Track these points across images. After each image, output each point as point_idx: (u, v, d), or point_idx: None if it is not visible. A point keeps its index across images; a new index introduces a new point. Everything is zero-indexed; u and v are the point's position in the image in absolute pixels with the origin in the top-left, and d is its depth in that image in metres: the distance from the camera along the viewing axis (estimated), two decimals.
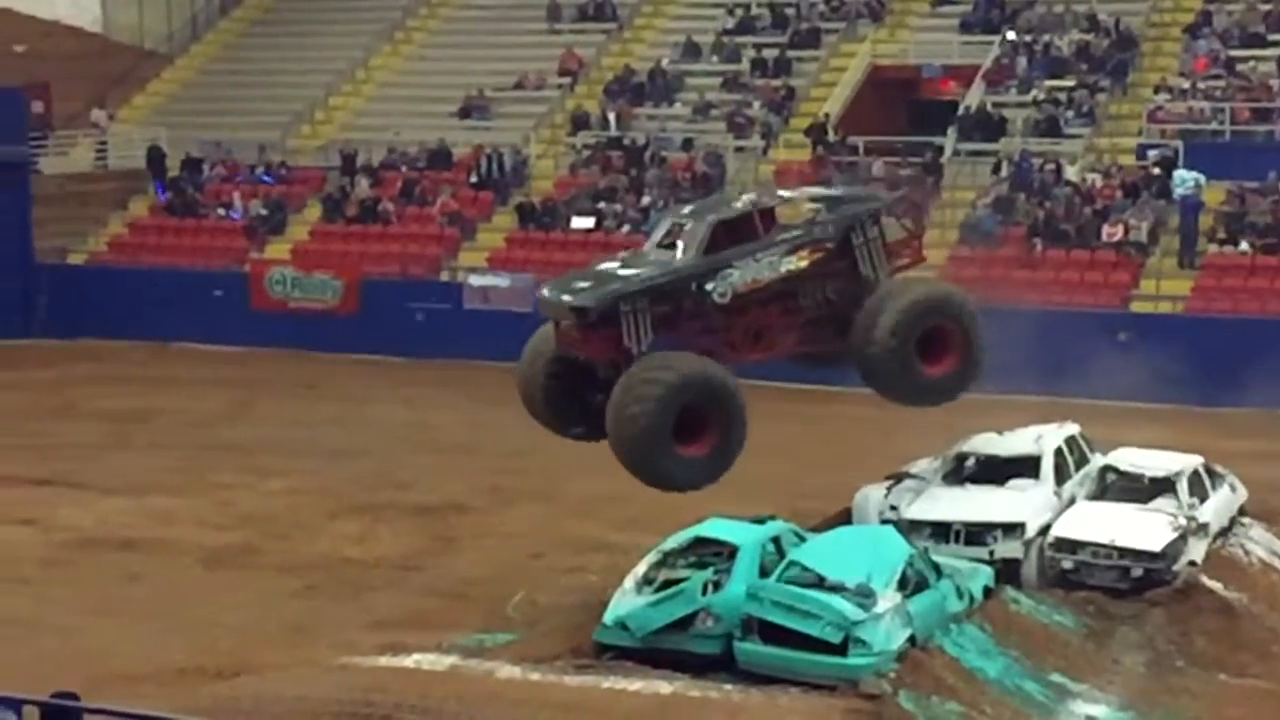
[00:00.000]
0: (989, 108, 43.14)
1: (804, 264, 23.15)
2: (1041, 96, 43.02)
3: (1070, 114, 42.49)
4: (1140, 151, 40.94)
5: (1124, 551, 22.52)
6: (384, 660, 20.43)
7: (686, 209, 23.94)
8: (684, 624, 20.04)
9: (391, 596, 24.40)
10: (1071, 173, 40.37)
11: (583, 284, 22.64)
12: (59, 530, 27.87)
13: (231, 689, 19.58)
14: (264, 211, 45.32)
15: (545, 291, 23.19)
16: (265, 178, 46.59)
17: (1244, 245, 37.83)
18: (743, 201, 23.49)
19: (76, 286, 44.56)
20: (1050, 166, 40.44)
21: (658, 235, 23.57)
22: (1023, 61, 44.40)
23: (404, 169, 45.52)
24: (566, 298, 22.44)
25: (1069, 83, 43.40)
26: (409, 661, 20.25)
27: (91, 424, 35.62)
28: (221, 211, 45.88)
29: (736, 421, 22.07)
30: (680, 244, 22.81)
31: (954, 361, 23.62)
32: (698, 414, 21.89)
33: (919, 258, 24.77)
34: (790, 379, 36.70)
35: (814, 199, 23.94)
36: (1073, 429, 25.14)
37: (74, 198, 46.38)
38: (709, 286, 22.67)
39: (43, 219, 45.17)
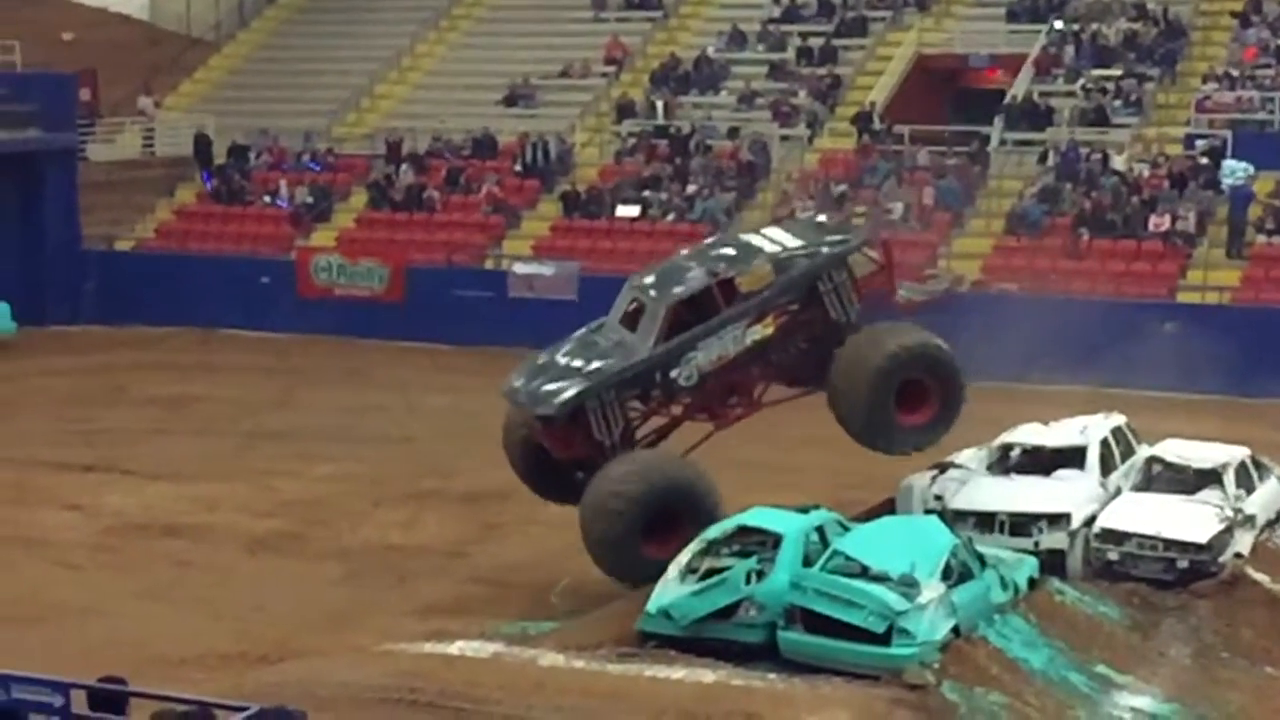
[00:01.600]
0: (1036, 97, 42.95)
1: (770, 330, 23.23)
2: (1089, 86, 42.81)
3: (1118, 103, 42.27)
4: (1188, 141, 40.71)
5: (1170, 543, 22.45)
6: (428, 647, 20.50)
7: (649, 277, 23.63)
8: (727, 613, 20.06)
9: (435, 584, 24.45)
10: (1119, 162, 40.16)
11: (547, 385, 22.72)
12: (105, 516, 28.02)
13: (276, 674, 19.68)
14: (310, 199, 45.44)
15: (513, 383, 23.35)
16: (311, 165, 46.71)
17: None
18: (700, 275, 23.16)
19: (123, 273, 44.74)
20: (1097, 156, 40.25)
21: (620, 306, 23.68)
22: (1070, 51, 44.19)
23: (449, 157, 45.57)
24: (531, 404, 22.72)
25: (1117, 72, 43.18)
26: (453, 649, 20.32)
27: (138, 410, 35.78)
28: (268, 199, 46.03)
29: (705, 521, 21.82)
30: (641, 328, 22.90)
31: (931, 411, 23.39)
32: (669, 516, 21.93)
33: (890, 289, 24.48)
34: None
35: (775, 257, 23.49)
36: (1119, 420, 25.07)
37: (121, 185, 46.57)
38: (673, 374, 22.83)
39: (90, 206, 45.38)
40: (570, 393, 22.37)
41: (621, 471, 22.04)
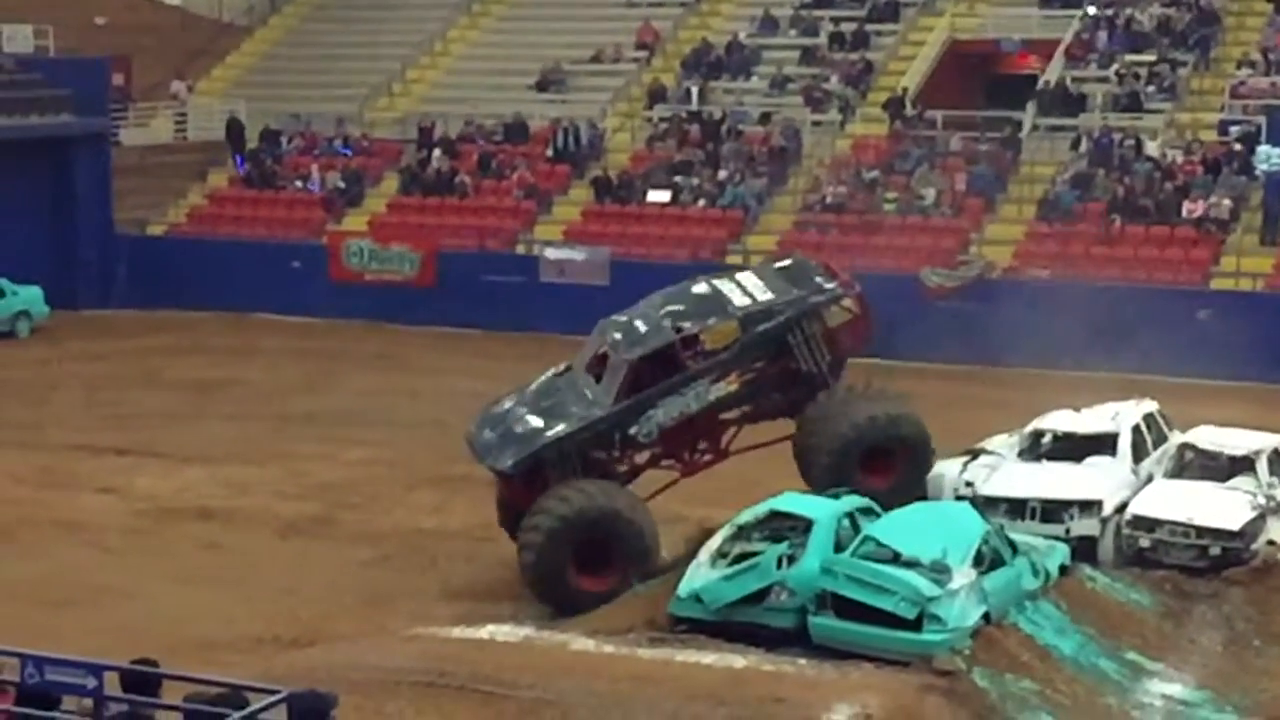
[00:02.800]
0: (1068, 82, 42.79)
1: (734, 387, 23.18)
2: (1122, 71, 42.63)
3: (1151, 89, 42.09)
4: (1222, 127, 40.53)
5: (1202, 530, 22.37)
6: (458, 631, 20.55)
7: (617, 329, 23.58)
8: (758, 597, 20.06)
9: (466, 568, 24.49)
10: (1152, 148, 39.99)
11: (501, 441, 22.91)
12: (139, 499, 28.12)
13: (307, 657, 19.75)
14: (342, 184, 45.51)
15: (471, 429, 23.56)
16: (343, 150, 46.77)
17: None
18: (664, 331, 23.13)
19: (156, 257, 44.88)
20: (1130, 142, 40.09)
21: (588, 352, 23.77)
22: (1103, 36, 44.01)
23: (481, 142, 45.60)
24: (485, 456, 22.97)
25: (1150, 57, 42.99)
26: (483, 632, 20.37)
27: (170, 394, 35.90)
28: (299, 183, 46.11)
29: (637, 556, 21.89)
30: (604, 381, 22.97)
31: (893, 477, 23.04)
32: (600, 547, 21.90)
33: (867, 337, 24.31)
34: (866, 354, 36.71)
35: (741, 313, 23.39)
36: (1151, 406, 24.97)
37: (154, 169, 46.73)
38: (632, 431, 22.85)
39: (123, 190, 45.54)
40: (530, 448, 22.65)
41: (548, 502, 22.14)
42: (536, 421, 23.05)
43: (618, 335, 23.35)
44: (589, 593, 21.73)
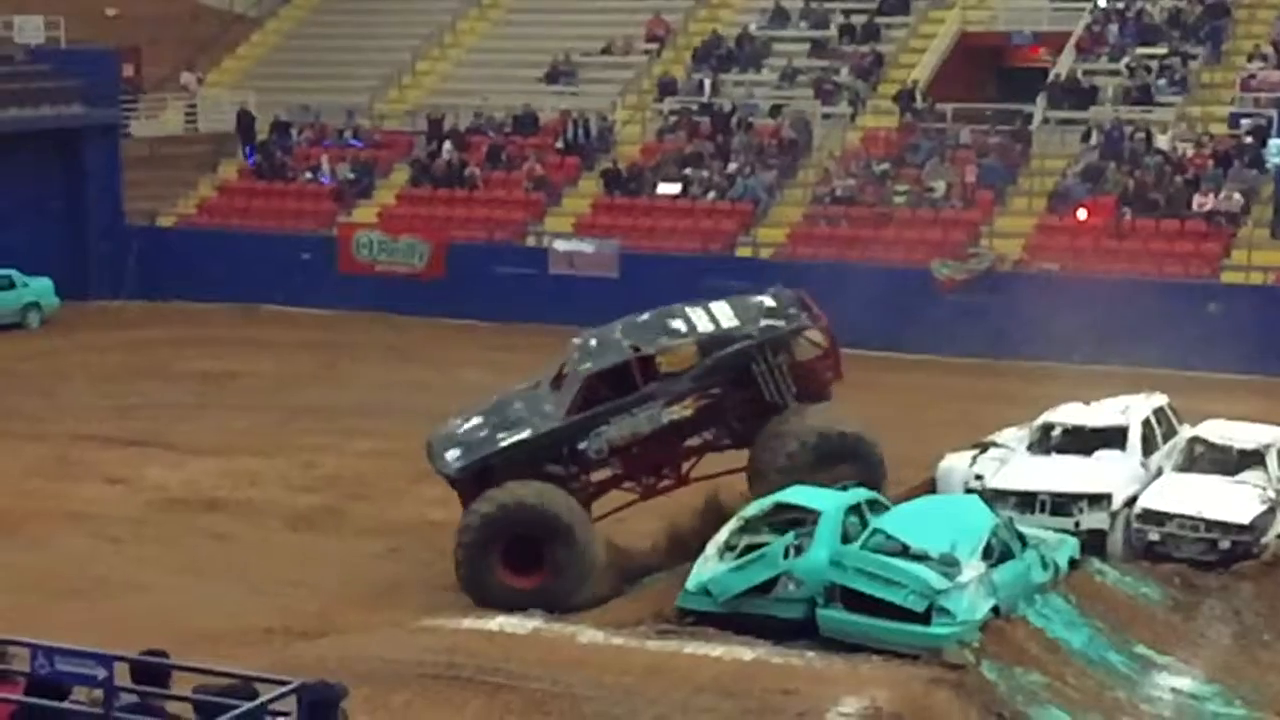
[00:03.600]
0: (1079, 75, 42.72)
1: (689, 412, 23.17)
2: (1133, 64, 42.56)
3: (1162, 82, 42.01)
4: (1233, 120, 40.44)
5: (1211, 524, 22.38)
6: (467, 623, 20.56)
7: (582, 344, 23.82)
8: (766, 589, 20.07)
9: None
10: (1162, 141, 39.92)
11: (456, 446, 23.23)
12: (147, 490, 28.16)
13: (317, 649, 19.76)
14: (351, 175, 45.52)
15: (431, 440, 23.76)
16: (353, 142, 46.78)
17: None
18: (622, 350, 23.27)
19: (166, 248, 44.92)
20: (1141, 135, 40.00)
21: (554, 368, 23.96)
22: (1114, 29, 43.93)
23: (491, 134, 45.59)
24: (436, 461, 23.23)
25: (1161, 50, 42.92)
26: (492, 624, 20.38)
27: (180, 385, 35.93)
28: (309, 175, 46.12)
29: (567, 557, 21.93)
30: (560, 396, 23.22)
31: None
32: (530, 544, 22.01)
33: (837, 373, 24.15)
34: (875, 346, 36.72)
35: (701, 339, 23.42)
36: (1161, 400, 24.97)
37: (164, 160, 46.75)
38: (581, 446, 22.95)
39: (133, 181, 45.58)
40: (476, 456, 22.96)
41: (478, 503, 22.42)
42: (489, 430, 23.37)
43: (576, 351, 23.64)
44: (516, 590, 21.88)
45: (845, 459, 22.79)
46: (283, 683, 10.65)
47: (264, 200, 45.97)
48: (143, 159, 46.20)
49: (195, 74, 50.07)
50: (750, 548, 20.51)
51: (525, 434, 23.00)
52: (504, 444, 22.96)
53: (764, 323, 23.80)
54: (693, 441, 23.74)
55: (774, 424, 23.04)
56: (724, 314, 23.93)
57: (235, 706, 10.37)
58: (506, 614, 20.86)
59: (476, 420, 23.72)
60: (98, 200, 44.80)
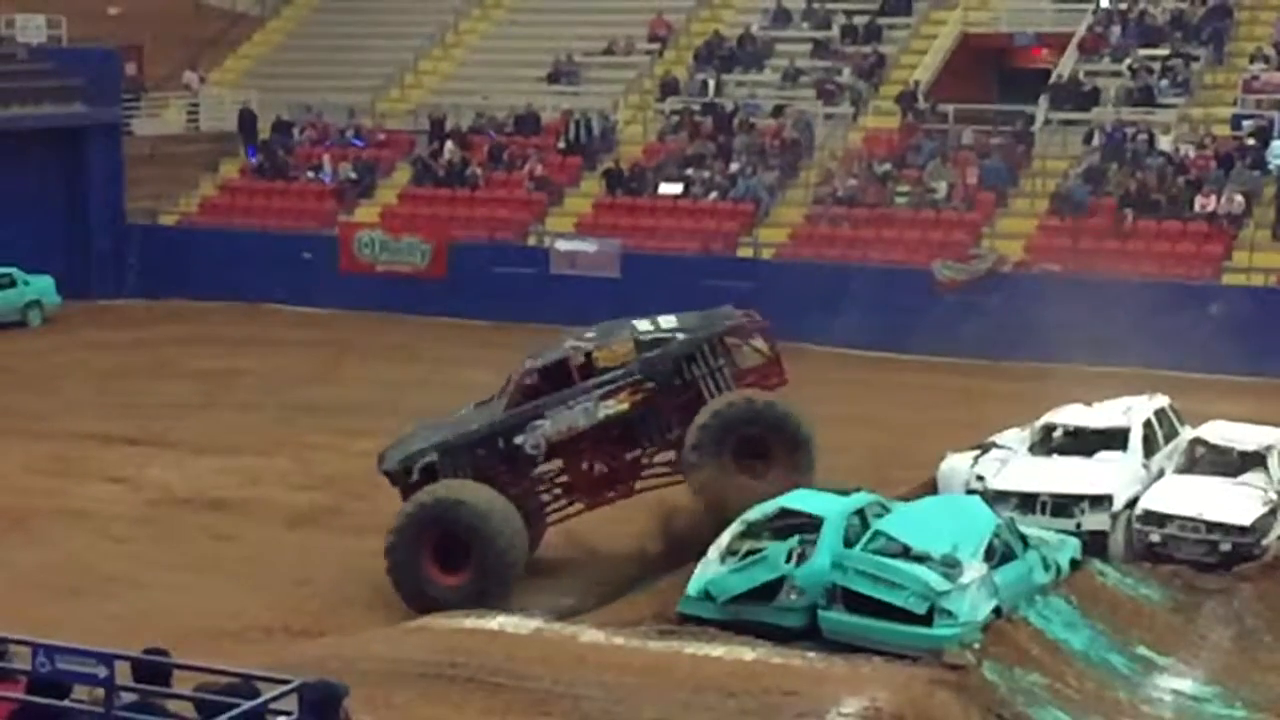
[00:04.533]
0: (1081, 76, 42.72)
1: (624, 406, 23.24)
2: (1135, 65, 42.54)
3: (1164, 83, 41.99)
4: (1235, 121, 40.42)
5: (1213, 525, 22.38)
6: (469, 623, 20.55)
7: (535, 353, 24.10)
8: (768, 595, 20.03)
9: None
10: (1165, 143, 39.91)
11: (398, 446, 23.76)
12: (149, 489, 28.17)
13: (318, 648, 19.77)
14: (353, 175, 45.52)
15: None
16: (355, 141, 46.79)
17: None
18: (561, 349, 23.60)
19: (167, 247, 44.93)
20: (1143, 136, 40.00)
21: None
22: (1116, 30, 43.92)
23: (492, 133, 45.59)
24: (381, 464, 23.61)
25: (1163, 51, 42.89)
26: (494, 624, 20.37)
27: (181, 384, 35.93)
28: (311, 174, 46.13)
29: (492, 555, 22.03)
30: (502, 397, 23.51)
31: (774, 469, 22.74)
32: (458, 543, 22.18)
33: (780, 381, 24.06)
34: (877, 347, 36.74)
35: (639, 336, 23.66)
36: (1162, 401, 24.98)
37: (165, 159, 46.74)
38: (518, 440, 23.06)
39: (135, 180, 45.58)
40: (404, 454, 23.38)
41: (407, 502, 22.75)
42: (433, 432, 23.67)
43: (526, 362, 23.94)
44: (442, 588, 22.07)
45: (755, 424, 22.65)
46: (284, 681, 10.64)
47: (265, 199, 45.98)
48: (144, 158, 46.20)
49: (197, 73, 50.07)
50: (752, 553, 20.49)
51: (464, 429, 23.42)
52: (443, 441, 23.31)
53: (703, 327, 23.98)
54: (635, 452, 23.74)
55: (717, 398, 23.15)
56: (666, 320, 24.14)
57: (236, 705, 10.35)
58: (507, 614, 20.85)
59: (431, 424, 24.20)
60: (99, 199, 44.81)
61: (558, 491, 23.96)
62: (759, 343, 24.17)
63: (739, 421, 22.71)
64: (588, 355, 23.53)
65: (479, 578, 22.05)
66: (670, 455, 23.75)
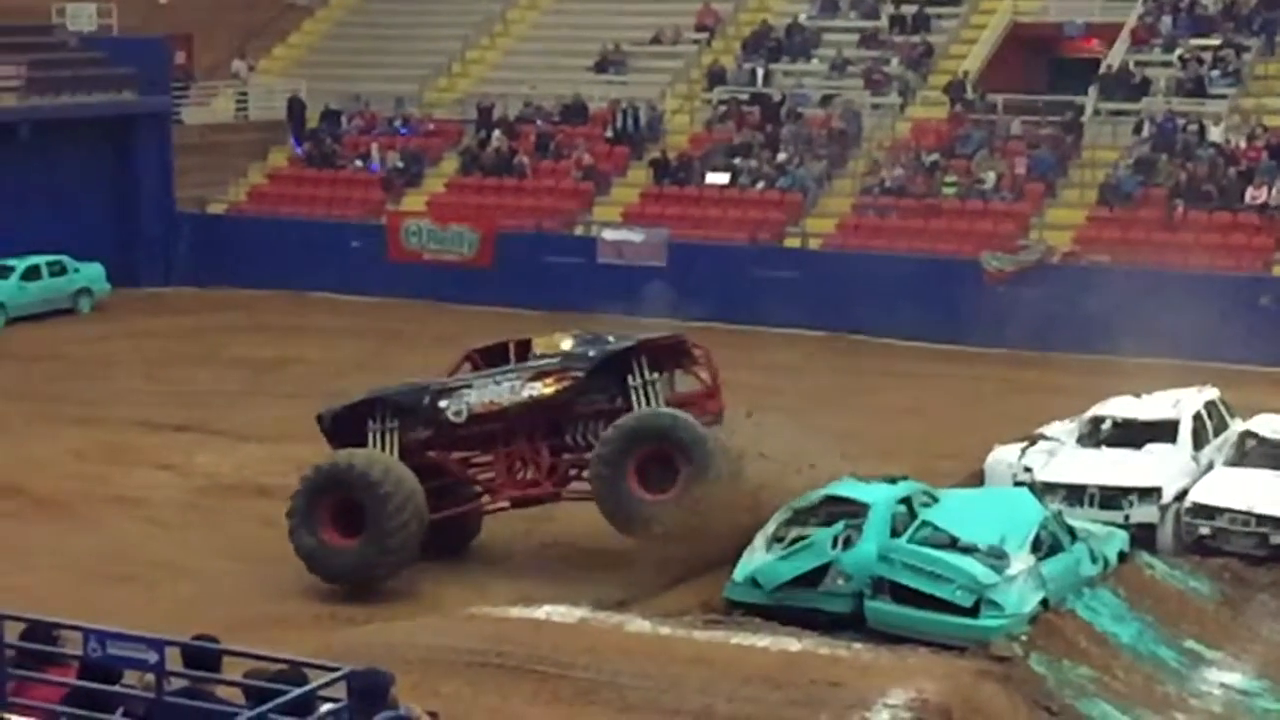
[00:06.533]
0: (1131, 66, 42.49)
1: (549, 391, 23.27)
2: (1186, 56, 42.29)
3: (1215, 74, 41.74)
4: None
5: (1262, 518, 22.27)
6: (515, 612, 20.56)
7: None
8: (814, 581, 20.04)
9: (523, 548, 24.51)
10: (1215, 134, 39.68)
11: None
12: (197, 476, 28.27)
13: (364, 636, 19.80)
14: (401, 164, 45.62)
15: None
16: (402, 130, 46.88)
17: None
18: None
19: (216, 235, 45.13)
20: (1193, 127, 39.77)
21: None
22: (1167, 20, 43.68)
23: (540, 123, 45.61)
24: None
25: (1214, 42, 42.64)
26: (540, 613, 20.38)
27: (229, 372, 36.05)
28: (359, 163, 46.25)
29: (383, 519, 22.24)
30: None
31: (676, 488, 22.29)
32: (351, 506, 22.52)
33: (716, 410, 23.65)
34: (924, 338, 36.64)
35: (581, 335, 23.94)
36: (1212, 394, 24.86)
37: (214, 148, 46.93)
38: (442, 404, 23.31)
39: (184, 168, 45.77)
40: (336, 405, 24.06)
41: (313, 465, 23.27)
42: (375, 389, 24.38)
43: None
44: (337, 550, 22.47)
45: (660, 440, 22.37)
46: (332, 668, 10.68)
47: (314, 188, 46.11)
48: (194, 146, 46.38)
49: (246, 62, 50.25)
50: (798, 540, 20.49)
51: (395, 387, 24.03)
52: (370, 393, 23.91)
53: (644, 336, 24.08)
54: (559, 444, 23.65)
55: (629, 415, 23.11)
56: (626, 338, 24.16)
57: (285, 692, 10.40)
58: (553, 603, 20.86)
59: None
60: (149, 187, 45.00)
61: (486, 477, 24.07)
62: (701, 371, 23.88)
63: (642, 436, 22.51)
64: (527, 342, 23.87)
65: (372, 541, 22.39)
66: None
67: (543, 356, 23.50)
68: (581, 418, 23.51)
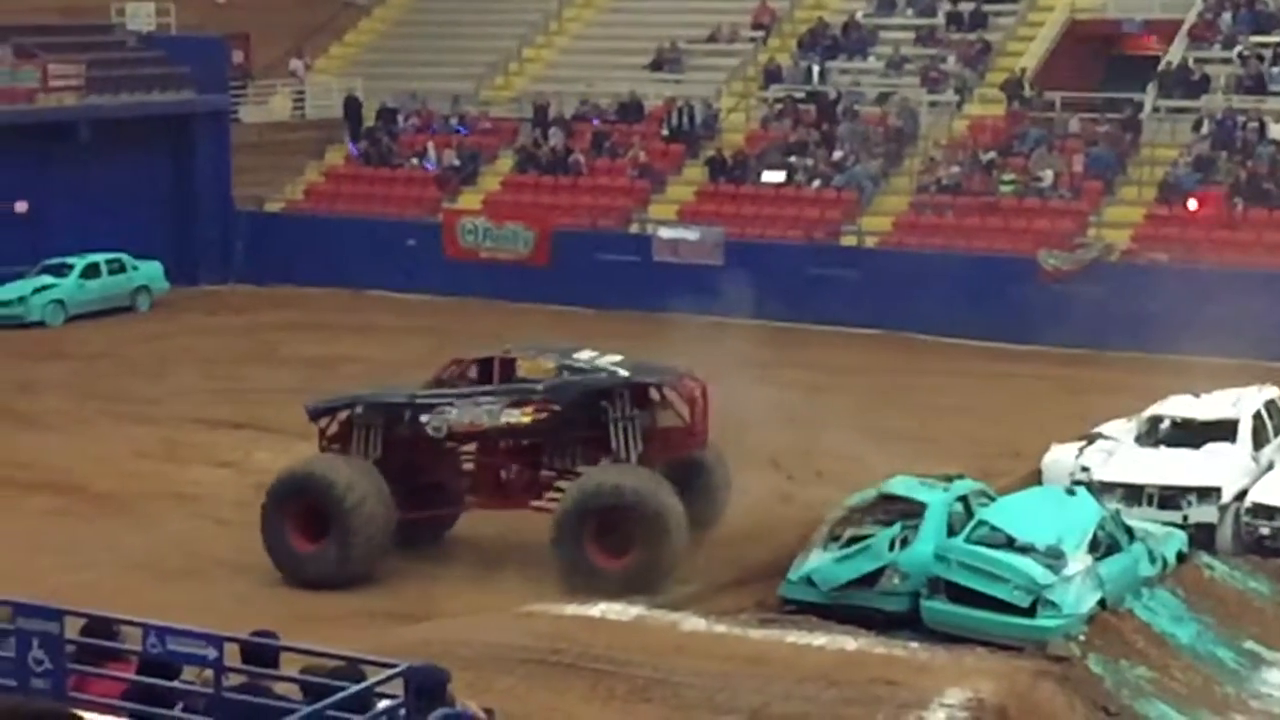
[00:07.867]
0: (1191, 64, 42.20)
1: (526, 419, 23.32)
2: (1246, 53, 41.99)
3: (1276, 70, 41.42)
4: None
5: None
6: (570, 609, 20.59)
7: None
8: (871, 581, 20.00)
9: None
10: (1276, 131, 39.36)
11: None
12: (254, 473, 28.30)
13: (420, 633, 19.87)
14: (457, 162, 45.71)
15: None
16: (459, 128, 46.97)
17: None
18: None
19: (273, 234, 45.30)
20: (1253, 125, 39.49)
21: None
22: (1227, 17, 43.37)
23: (595, 121, 45.63)
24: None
25: (1275, 38, 42.31)
26: (595, 611, 20.41)
27: (286, 369, 36.17)
28: (415, 161, 46.36)
29: (347, 527, 22.56)
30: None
31: (632, 556, 22.31)
32: (315, 512, 22.89)
33: (697, 445, 23.64)
34: (981, 336, 36.49)
35: (564, 360, 23.79)
36: (1272, 393, 24.68)
37: (272, 146, 47.14)
38: (423, 419, 23.41)
39: (241, 167, 46.00)
40: (319, 402, 24.30)
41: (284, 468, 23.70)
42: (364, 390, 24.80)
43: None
44: (304, 555, 22.91)
45: (616, 507, 22.31)
46: (390, 665, 10.71)
47: (370, 186, 46.24)
48: (251, 145, 46.62)
49: (303, 60, 50.46)
50: (855, 539, 20.45)
51: (379, 390, 24.41)
52: (355, 395, 24.20)
53: (635, 372, 23.74)
54: (536, 463, 23.85)
55: (592, 472, 23.06)
56: (608, 359, 24.09)
57: (343, 688, 10.43)
58: (609, 601, 20.88)
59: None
60: (207, 185, 45.24)
61: (462, 484, 24.28)
62: (683, 409, 23.70)
63: (600, 501, 22.51)
64: (511, 362, 23.94)
65: (336, 546, 22.71)
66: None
67: (524, 381, 23.68)
68: (560, 444, 23.80)
